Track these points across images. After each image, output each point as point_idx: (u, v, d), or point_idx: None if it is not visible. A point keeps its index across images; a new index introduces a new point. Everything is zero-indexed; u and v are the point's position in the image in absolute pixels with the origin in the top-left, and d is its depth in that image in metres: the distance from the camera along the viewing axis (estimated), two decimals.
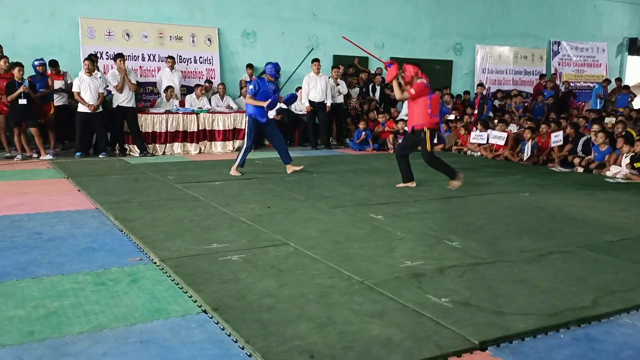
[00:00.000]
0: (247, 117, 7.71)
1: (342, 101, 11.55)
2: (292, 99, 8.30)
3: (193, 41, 11.68)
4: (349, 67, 12.58)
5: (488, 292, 3.51)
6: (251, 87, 7.51)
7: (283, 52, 12.41)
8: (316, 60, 11.03)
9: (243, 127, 10.49)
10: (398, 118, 11.64)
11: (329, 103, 11.03)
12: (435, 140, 7.45)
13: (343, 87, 11.46)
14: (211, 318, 3.10)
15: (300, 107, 11.47)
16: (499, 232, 5.00)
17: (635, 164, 8.16)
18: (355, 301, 3.33)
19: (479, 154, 10.45)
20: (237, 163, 7.68)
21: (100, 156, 9.27)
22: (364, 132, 10.91)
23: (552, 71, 15.79)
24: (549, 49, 16.05)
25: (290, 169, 7.92)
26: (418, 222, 5.25)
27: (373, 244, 4.51)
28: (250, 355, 2.70)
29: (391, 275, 3.76)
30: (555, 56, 16.11)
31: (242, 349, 2.76)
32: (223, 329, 2.96)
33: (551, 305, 3.33)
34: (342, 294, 3.43)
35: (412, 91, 6.68)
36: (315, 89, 10.92)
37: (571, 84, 15.36)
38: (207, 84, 11.20)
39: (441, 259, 4.16)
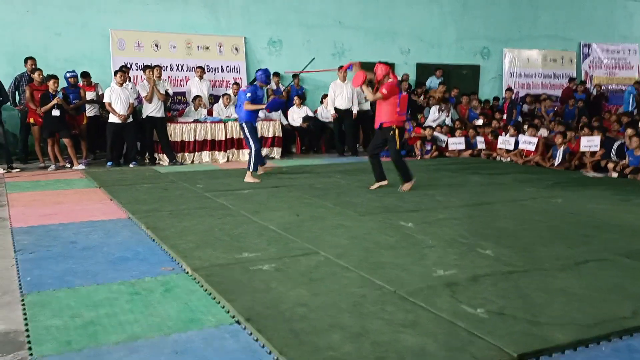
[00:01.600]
0: (243, 125, 7.85)
1: (369, 108, 11.51)
2: (275, 105, 8.40)
3: (220, 50, 11.81)
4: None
5: (523, 301, 3.45)
6: (249, 94, 7.73)
7: (309, 60, 12.43)
8: (341, 67, 11.03)
9: (270, 136, 10.61)
10: (425, 124, 11.56)
11: (355, 110, 11.02)
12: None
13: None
14: (244, 329, 3.10)
15: (327, 114, 11.49)
16: (531, 238, 4.91)
17: None
18: (387, 311, 3.30)
19: (508, 159, 10.30)
20: (250, 169, 7.78)
21: (130, 165, 9.42)
22: None
23: (583, 74, 15.51)
24: (579, 52, 15.78)
25: (247, 177, 7.81)
26: (448, 229, 5.19)
27: (404, 251, 4.48)
28: None
29: (423, 284, 3.72)
30: (586, 59, 15.82)
31: (276, 359, 2.76)
32: (256, 340, 2.96)
33: (589, 315, 3.24)
34: (374, 304, 3.40)
35: (384, 91, 6.84)
36: (341, 95, 10.92)
37: (602, 87, 15.06)
38: (234, 85, 11.25)
39: (474, 267, 4.09)
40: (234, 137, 10.33)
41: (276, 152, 10.70)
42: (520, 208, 6.22)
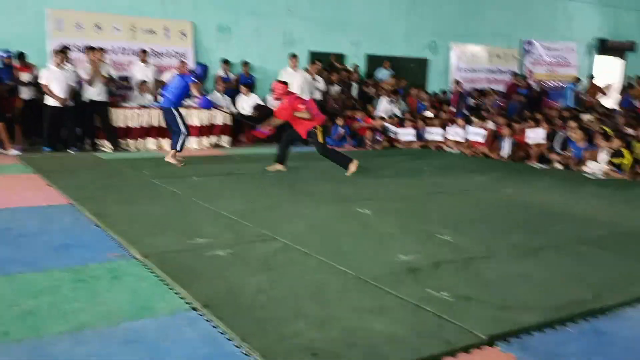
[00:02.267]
0: (173, 110, 7.82)
1: (321, 98, 11.38)
2: (206, 103, 8.32)
3: (166, 35, 11.36)
4: (328, 65, 12.41)
5: (487, 287, 3.40)
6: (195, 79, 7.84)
7: (258, 49, 12.21)
8: (293, 55, 10.85)
9: (219, 123, 10.30)
10: (375, 115, 11.54)
11: (307, 99, 10.84)
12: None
13: (321, 83, 11.31)
14: (202, 316, 2.90)
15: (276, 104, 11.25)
16: (488, 227, 4.90)
17: (613, 160, 8.22)
18: (353, 297, 3.18)
19: (457, 151, 10.42)
20: (177, 148, 7.80)
21: (69, 151, 8.90)
22: (342, 129, 10.78)
23: (525, 70, 15.95)
24: (521, 49, 16.21)
25: (170, 156, 7.88)
26: (406, 217, 5.14)
27: (364, 239, 4.37)
28: (247, 354, 2.52)
29: (386, 270, 3.62)
30: (528, 55, 16.27)
31: (238, 347, 2.58)
32: (215, 327, 2.77)
33: (554, 299, 3.23)
34: (339, 290, 3.27)
35: (278, 115, 7.43)
36: (292, 84, 10.71)
37: (543, 83, 15.53)
38: (181, 63, 10.76)
39: (435, 253, 4.03)
40: None
41: (225, 140, 10.39)
42: (473, 199, 6.23)
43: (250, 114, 11.04)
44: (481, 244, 4.32)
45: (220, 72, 11.45)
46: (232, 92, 11.29)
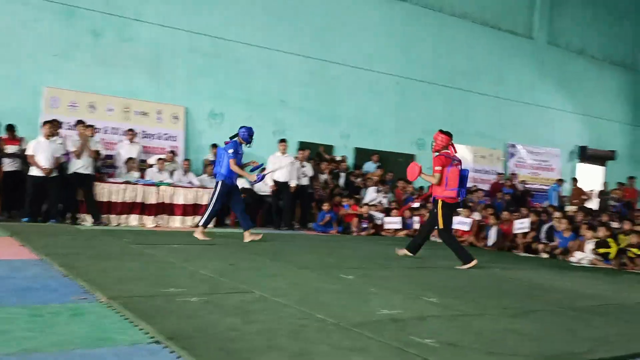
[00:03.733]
0: (218, 183, 7.46)
1: (308, 183, 11.43)
2: (262, 178, 8.15)
3: (159, 117, 11.58)
4: (317, 155, 12.60)
5: (476, 336, 3.19)
6: (232, 150, 7.37)
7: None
8: (283, 140, 11.03)
9: (204, 203, 10.20)
10: (362, 203, 11.54)
11: (293, 184, 10.89)
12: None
13: (309, 169, 11.40)
14: (165, 348, 2.65)
15: (264, 187, 11.28)
16: (478, 294, 4.72)
17: (599, 250, 8.15)
18: (332, 337, 2.95)
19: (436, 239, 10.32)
20: (201, 224, 7.42)
21: (50, 222, 8.69)
22: (328, 214, 10.72)
23: (509, 171, 16.28)
24: (506, 151, 16.66)
25: (247, 237, 7.58)
26: (391, 282, 4.94)
27: (346, 295, 4.16)
28: None
29: (368, 319, 3.40)
30: (512, 158, 16.69)
31: None
32: (179, 358, 2.52)
33: (545, 349, 3.02)
34: (317, 331, 3.05)
35: (437, 168, 6.54)
36: (280, 169, 10.79)
37: (527, 184, 15.80)
38: (169, 154, 10.90)
39: (421, 310, 3.83)
40: (165, 201, 9.85)
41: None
42: (461, 273, 6.07)
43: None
44: (471, 306, 4.12)
45: (210, 157, 11.55)
46: None
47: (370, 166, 13.54)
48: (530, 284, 5.54)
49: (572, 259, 8.42)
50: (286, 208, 10.94)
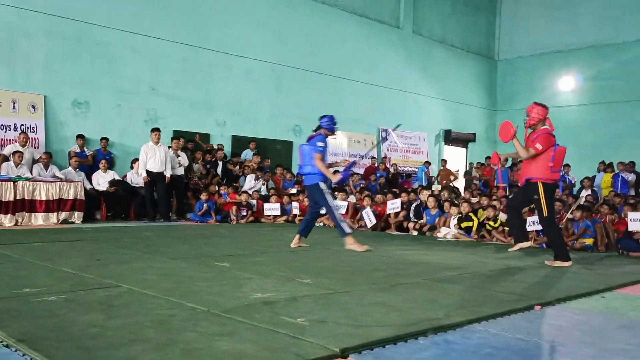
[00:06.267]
0: (320, 185, 6.24)
1: (183, 173, 11.13)
2: (347, 176, 7.01)
3: (14, 107, 10.63)
4: (189, 142, 12.29)
5: (344, 312, 3.31)
6: (321, 144, 6.15)
7: (119, 124, 11.82)
8: (156, 129, 10.63)
9: (70, 198, 9.56)
10: (241, 191, 11.48)
11: (168, 174, 10.55)
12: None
13: (184, 159, 11.10)
14: (15, 352, 2.46)
15: (137, 179, 10.82)
16: (349, 271, 4.90)
17: (462, 224, 8.81)
18: (200, 325, 2.90)
19: (321, 224, 10.57)
20: (347, 233, 6.24)
21: None
22: (206, 204, 10.52)
23: (382, 155, 17.03)
24: (379, 136, 17.39)
25: (297, 242, 6.57)
26: (266, 267, 4.98)
27: (219, 282, 4.12)
28: None
29: (240, 304, 3.40)
30: (384, 142, 17.46)
31: None
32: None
33: (407, 319, 3.21)
34: (185, 320, 2.99)
35: (539, 146, 5.61)
36: (153, 158, 10.41)
37: (398, 167, 16.65)
38: (22, 135, 9.94)
39: (293, 291, 3.89)
40: (26, 198, 9.09)
41: (77, 216, 9.63)
42: (335, 253, 6.26)
43: (106, 190, 10.46)
44: (341, 283, 4.26)
45: (75, 148, 10.85)
46: (88, 168, 10.70)
47: (247, 154, 13.49)
48: (398, 260, 5.86)
49: (438, 234, 9.02)
50: (161, 199, 10.59)
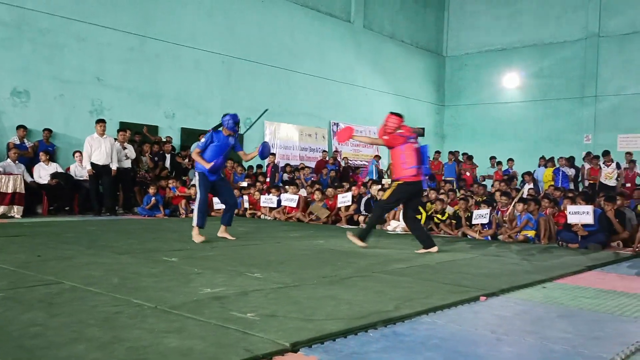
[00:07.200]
0: (197, 173, 6.63)
1: (130, 166, 10.85)
2: (266, 150, 7.04)
3: None
4: (136, 134, 12.00)
5: (295, 306, 3.31)
6: (203, 140, 6.50)
7: (62, 115, 11.41)
8: (101, 120, 10.31)
9: (9, 192, 9.17)
10: (190, 185, 11.30)
11: (114, 167, 10.26)
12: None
13: (131, 151, 10.82)
14: None
15: (81, 172, 10.48)
16: (299, 265, 4.91)
17: None
18: (147, 322, 2.84)
19: (271, 217, 10.55)
20: (194, 223, 6.42)
21: None
22: (154, 198, 10.30)
23: (334, 149, 17.11)
24: (330, 129, 17.45)
25: (223, 232, 6.84)
26: (215, 261, 4.92)
27: (167, 278, 4.05)
28: None
29: (189, 299, 3.35)
30: (335, 135, 17.54)
31: None
32: None
33: (357, 312, 3.24)
34: (131, 317, 2.92)
35: (385, 137, 6.19)
36: (99, 150, 10.09)
37: (349, 161, 16.78)
38: None
39: (244, 286, 3.87)
40: None
41: (17, 210, 9.24)
42: (286, 247, 6.27)
43: (47, 183, 10.08)
44: (292, 277, 4.27)
45: (15, 139, 10.39)
46: (28, 160, 10.28)
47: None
48: (348, 253, 5.90)
49: (388, 227, 9.15)
50: (107, 192, 10.29)
